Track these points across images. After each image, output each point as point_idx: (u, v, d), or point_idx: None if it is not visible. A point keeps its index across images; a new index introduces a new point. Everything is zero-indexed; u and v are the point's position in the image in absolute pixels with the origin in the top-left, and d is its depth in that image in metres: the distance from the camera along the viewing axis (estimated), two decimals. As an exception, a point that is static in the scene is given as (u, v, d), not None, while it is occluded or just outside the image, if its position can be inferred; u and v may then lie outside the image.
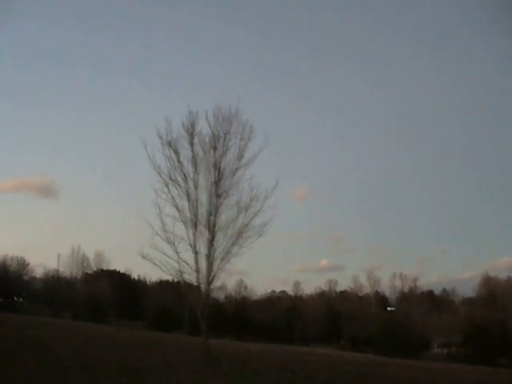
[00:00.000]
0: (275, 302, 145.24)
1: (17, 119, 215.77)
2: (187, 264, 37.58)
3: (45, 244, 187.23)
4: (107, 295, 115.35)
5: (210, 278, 37.53)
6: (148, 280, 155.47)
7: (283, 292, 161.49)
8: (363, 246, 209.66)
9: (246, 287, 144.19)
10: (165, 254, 37.10)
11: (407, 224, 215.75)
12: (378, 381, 36.26)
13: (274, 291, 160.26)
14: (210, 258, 37.23)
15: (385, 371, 43.08)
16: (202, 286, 38.09)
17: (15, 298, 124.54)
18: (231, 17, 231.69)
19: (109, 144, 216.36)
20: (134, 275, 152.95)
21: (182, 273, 37.98)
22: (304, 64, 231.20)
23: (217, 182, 37.84)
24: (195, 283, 38.66)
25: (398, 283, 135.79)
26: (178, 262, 37.43)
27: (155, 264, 37.42)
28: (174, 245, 37.29)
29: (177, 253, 37.27)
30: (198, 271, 37.56)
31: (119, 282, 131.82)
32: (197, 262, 37.51)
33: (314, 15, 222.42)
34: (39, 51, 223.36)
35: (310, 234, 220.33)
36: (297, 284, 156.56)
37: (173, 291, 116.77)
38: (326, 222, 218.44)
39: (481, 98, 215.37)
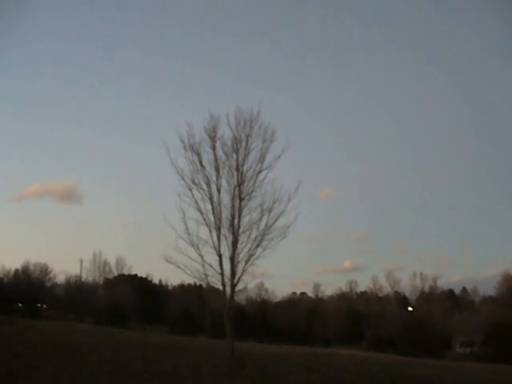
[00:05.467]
0: (296, 304, 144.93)
1: (39, 126, 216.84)
2: (211, 267, 37.79)
3: (67, 250, 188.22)
4: (129, 300, 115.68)
5: (235, 280, 37.65)
6: (169, 284, 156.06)
7: (304, 294, 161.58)
8: (386, 247, 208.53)
9: (266, 290, 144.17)
10: (189, 258, 37.32)
11: (428, 223, 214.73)
12: (405, 380, 36.23)
13: (294, 293, 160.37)
14: (233, 260, 37.37)
15: (411, 371, 42.98)
16: (227, 289, 38.22)
17: (38, 305, 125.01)
18: (251, 21, 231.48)
19: (131, 149, 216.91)
20: (156, 280, 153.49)
21: (206, 276, 38.19)
22: (322, 67, 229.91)
23: (239, 185, 37.98)
24: (219, 286, 38.83)
25: (418, 283, 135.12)
26: (203, 265, 37.66)
27: (179, 267, 37.64)
28: (198, 248, 37.53)
29: (201, 256, 37.50)
30: (222, 274, 37.72)
31: (141, 287, 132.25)
32: (221, 264, 37.70)
33: (332, 25, 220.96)
34: (62, 65, 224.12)
35: (334, 235, 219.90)
36: (317, 286, 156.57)
37: (194, 295, 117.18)
38: (350, 223, 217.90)
39: (493, 97, 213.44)
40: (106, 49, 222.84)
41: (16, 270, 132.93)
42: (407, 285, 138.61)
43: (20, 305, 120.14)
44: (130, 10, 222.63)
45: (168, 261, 37.37)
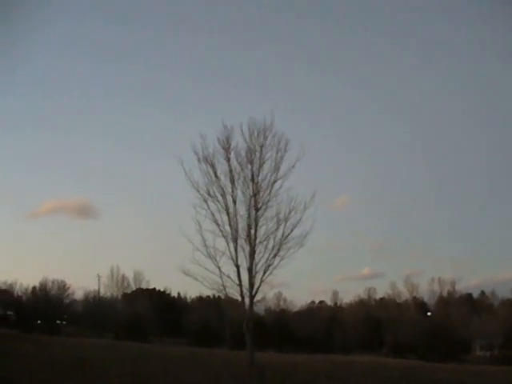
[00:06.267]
0: (315, 312, 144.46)
1: (53, 142, 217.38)
2: (229, 278, 37.79)
3: (84, 265, 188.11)
4: (148, 314, 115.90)
5: (253, 291, 37.64)
6: (188, 296, 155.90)
7: (322, 302, 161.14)
8: (403, 252, 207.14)
9: (285, 299, 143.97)
10: (206, 269, 37.35)
11: (445, 228, 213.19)
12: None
13: (313, 302, 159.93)
14: (251, 271, 37.34)
15: (432, 376, 42.87)
16: (245, 300, 38.20)
17: (57, 321, 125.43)
18: (263, 32, 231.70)
19: (145, 162, 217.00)
20: (174, 292, 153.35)
21: (224, 287, 38.19)
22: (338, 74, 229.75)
23: (255, 195, 38.00)
24: (238, 297, 38.79)
25: (436, 288, 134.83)
26: (220, 277, 37.66)
27: (197, 279, 37.68)
28: (215, 259, 37.53)
29: (218, 267, 37.50)
30: (240, 285, 37.70)
31: (159, 300, 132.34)
32: (239, 275, 37.67)
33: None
34: (74, 80, 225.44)
35: (350, 243, 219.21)
36: (335, 293, 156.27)
37: (213, 306, 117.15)
38: (366, 230, 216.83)
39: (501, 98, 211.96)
40: (118, 62, 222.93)
41: (34, 288, 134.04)
42: (425, 290, 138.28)
43: (39, 322, 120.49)
44: (141, 22, 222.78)
45: (185, 273, 37.46)
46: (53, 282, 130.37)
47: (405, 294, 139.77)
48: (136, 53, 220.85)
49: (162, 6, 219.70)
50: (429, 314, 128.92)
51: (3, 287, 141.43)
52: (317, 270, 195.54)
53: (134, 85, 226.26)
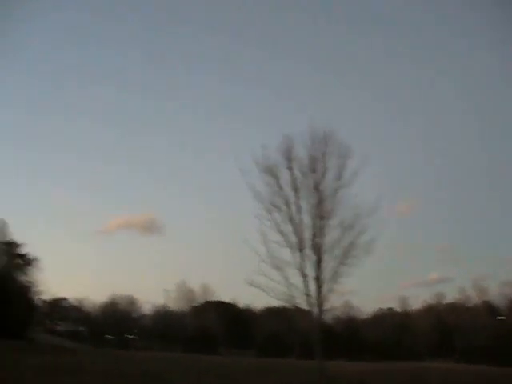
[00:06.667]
0: (383, 319, 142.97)
1: (119, 162, 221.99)
2: (296, 288, 37.56)
3: (151, 280, 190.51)
4: (216, 326, 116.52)
5: (321, 300, 37.34)
6: (255, 308, 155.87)
7: (390, 309, 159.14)
8: (471, 256, 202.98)
9: (352, 307, 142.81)
10: (273, 280, 37.19)
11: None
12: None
13: (381, 309, 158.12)
14: (318, 280, 37.04)
15: (506, 381, 41.84)
16: (313, 309, 37.92)
17: (127, 335, 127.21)
18: (319, 40, 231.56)
19: (208, 176, 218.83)
20: (242, 304, 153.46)
21: (291, 297, 37.97)
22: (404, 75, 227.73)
23: (318, 204, 37.73)
24: (306, 306, 38.54)
25: (507, 291, 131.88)
26: (287, 287, 37.46)
27: (264, 290, 37.55)
28: (281, 270, 37.34)
29: (285, 278, 37.30)
30: (307, 294, 37.45)
31: (227, 312, 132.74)
32: (306, 285, 37.40)
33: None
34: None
35: (416, 247, 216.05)
36: (403, 299, 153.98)
37: (281, 317, 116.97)
38: (432, 234, 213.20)
39: None
40: (188, 74, 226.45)
41: (104, 304, 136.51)
42: (496, 293, 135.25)
43: (110, 336, 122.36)
44: (208, 30, 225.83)
45: (252, 284, 37.36)
46: (121, 298, 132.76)
47: (474, 298, 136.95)
48: (204, 64, 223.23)
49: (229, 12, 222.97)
50: (500, 317, 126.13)
51: (74, 304, 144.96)
52: (383, 276, 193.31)
53: (193, 97, 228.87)
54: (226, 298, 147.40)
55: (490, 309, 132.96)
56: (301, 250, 37.55)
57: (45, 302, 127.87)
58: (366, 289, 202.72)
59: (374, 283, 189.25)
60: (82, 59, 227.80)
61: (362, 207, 37.55)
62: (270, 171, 38.62)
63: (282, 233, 37.94)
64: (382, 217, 38.47)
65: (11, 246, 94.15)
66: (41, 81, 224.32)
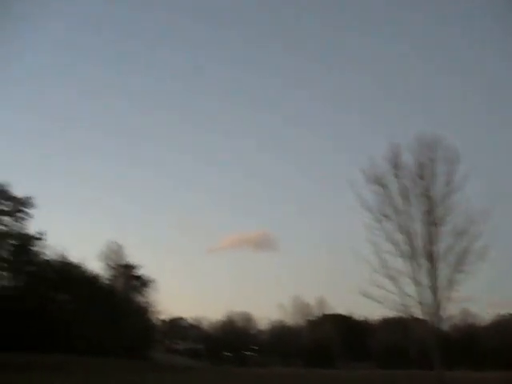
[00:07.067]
0: (504, 326, 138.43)
1: (230, 177, 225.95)
2: (411, 297, 37.03)
3: (266, 296, 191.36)
4: (334, 339, 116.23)
5: (436, 308, 36.67)
6: (372, 319, 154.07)
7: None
8: None
9: (470, 314, 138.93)
10: (386, 290, 36.82)
11: None
12: None
13: (501, 315, 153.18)
14: (433, 288, 36.40)
15: None
16: (429, 318, 37.29)
17: (244, 352, 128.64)
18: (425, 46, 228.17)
19: (317, 189, 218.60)
20: (357, 316, 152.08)
21: (406, 307, 37.46)
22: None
23: (429, 211, 37.15)
24: (421, 316, 37.94)
25: None
26: (401, 297, 36.98)
27: (378, 301, 37.23)
28: (394, 279, 36.91)
29: (399, 287, 36.84)
30: (422, 303, 36.85)
31: (343, 325, 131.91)
32: (420, 294, 36.82)
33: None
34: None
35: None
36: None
37: (398, 327, 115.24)
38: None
39: None
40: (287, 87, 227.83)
41: (220, 321, 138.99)
42: None
43: (227, 353, 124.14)
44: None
45: (366, 296, 37.11)
46: (238, 315, 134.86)
47: None
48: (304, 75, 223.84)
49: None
50: None
51: (192, 323, 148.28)
52: (500, 280, 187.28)
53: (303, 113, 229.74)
54: (341, 310, 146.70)
55: None
56: (413, 258, 37.05)
57: (163, 321, 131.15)
58: (482, 294, 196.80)
59: (490, 288, 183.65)
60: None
61: (475, 212, 36.71)
62: (378, 180, 38.40)
63: (393, 242, 37.58)
64: (496, 220, 37.42)
65: (127, 268, 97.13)
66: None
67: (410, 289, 36.99)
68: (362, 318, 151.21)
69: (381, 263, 37.06)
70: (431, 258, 36.63)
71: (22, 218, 69.44)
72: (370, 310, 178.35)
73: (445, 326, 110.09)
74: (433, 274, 36.46)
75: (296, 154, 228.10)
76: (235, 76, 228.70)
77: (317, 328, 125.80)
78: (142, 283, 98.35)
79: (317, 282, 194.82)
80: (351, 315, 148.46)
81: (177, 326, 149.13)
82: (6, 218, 68.59)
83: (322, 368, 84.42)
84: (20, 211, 69.33)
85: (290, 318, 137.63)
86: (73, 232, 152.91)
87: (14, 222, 69.16)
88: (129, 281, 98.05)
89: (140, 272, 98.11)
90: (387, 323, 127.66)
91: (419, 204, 37.63)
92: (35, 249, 71.84)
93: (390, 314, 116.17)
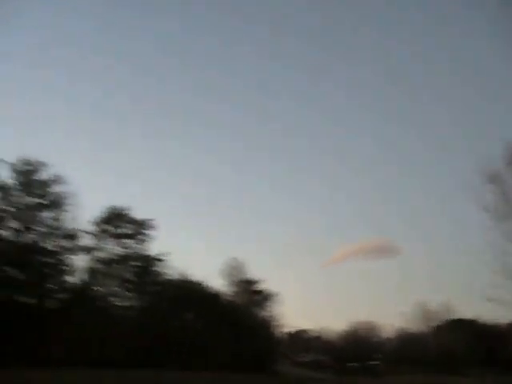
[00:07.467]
0: None
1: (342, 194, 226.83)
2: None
3: (389, 304, 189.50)
4: (461, 345, 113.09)
5: None
6: (501, 323, 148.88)
7: None
8: None
9: None
10: (508, 292, 35.52)
11: None
12: None
13: None
14: None
15: None
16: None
17: (369, 362, 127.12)
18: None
19: (428, 193, 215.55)
20: (485, 320, 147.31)
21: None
22: None
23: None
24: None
25: None
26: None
27: (502, 304, 35.99)
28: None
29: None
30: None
31: (470, 330, 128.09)
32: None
33: None
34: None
35: None
36: None
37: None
38: None
39: None
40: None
41: (344, 332, 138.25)
42: None
43: (352, 364, 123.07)
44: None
45: (489, 299, 35.91)
46: (361, 324, 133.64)
47: None
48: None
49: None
50: None
51: (315, 334, 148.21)
52: None
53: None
54: (467, 315, 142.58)
55: None
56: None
57: (287, 334, 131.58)
58: None
59: None
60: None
61: None
62: (495, 180, 37.12)
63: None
64: None
65: (249, 283, 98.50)
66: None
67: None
68: (489, 322, 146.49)
69: (503, 265, 35.81)
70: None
71: (144, 240, 71.62)
72: (497, 313, 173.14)
73: None
74: None
75: (407, 156, 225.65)
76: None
77: (442, 334, 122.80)
78: (263, 297, 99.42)
79: (440, 287, 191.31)
80: (478, 319, 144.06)
81: (300, 339, 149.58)
82: (129, 241, 70.99)
83: (451, 375, 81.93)
84: (141, 233, 71.56)
85: (414, 325, 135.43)
86: (193, 250, 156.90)
87: (137, 245, 71.40)
88: (251, 296, 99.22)
89: (261, 286, 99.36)
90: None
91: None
92: (157, 269, 73.68)
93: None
